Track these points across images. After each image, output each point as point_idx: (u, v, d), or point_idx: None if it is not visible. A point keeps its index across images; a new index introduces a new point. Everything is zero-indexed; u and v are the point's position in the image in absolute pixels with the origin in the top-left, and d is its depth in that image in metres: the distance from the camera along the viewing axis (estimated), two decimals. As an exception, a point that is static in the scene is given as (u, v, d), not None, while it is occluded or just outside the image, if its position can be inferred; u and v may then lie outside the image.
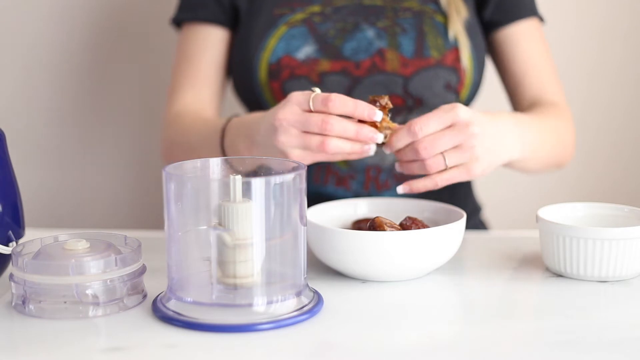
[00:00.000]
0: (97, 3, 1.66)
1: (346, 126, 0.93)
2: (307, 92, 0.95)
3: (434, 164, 0.96)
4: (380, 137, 0.95)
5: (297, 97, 0.95)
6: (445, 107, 0.96)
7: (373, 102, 0.95)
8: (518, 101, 1.29)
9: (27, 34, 1.66)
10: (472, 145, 0.96)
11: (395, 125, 0.96)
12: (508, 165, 1.09)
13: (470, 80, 1.23)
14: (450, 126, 0.95)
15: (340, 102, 0.93)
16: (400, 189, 0.99)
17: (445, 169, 0.97)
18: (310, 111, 0.94)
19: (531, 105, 1.26)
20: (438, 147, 0.95)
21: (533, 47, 1.28)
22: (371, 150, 0.96)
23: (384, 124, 0.96)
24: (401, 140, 0.96)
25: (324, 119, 0.92)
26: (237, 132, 1.06)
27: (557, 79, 1.29)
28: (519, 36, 1.28)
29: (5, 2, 1.65)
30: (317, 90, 0.95)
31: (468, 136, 0.95)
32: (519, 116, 1.10)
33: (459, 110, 0.95)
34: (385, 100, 0.96)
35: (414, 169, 0.98)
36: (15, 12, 1.65)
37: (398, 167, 1.00)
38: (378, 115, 0.94)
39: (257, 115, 1.05)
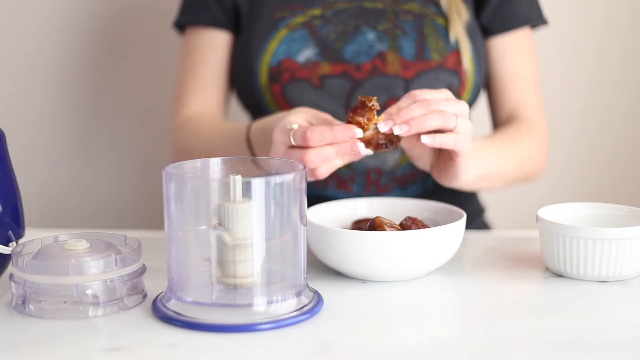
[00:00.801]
0: (97, 3, 1.66)
1: (325, 153, 0.93)
2: (286, 129, 0.95)
3: (447, 120, 0.93)
4: (359, 132, 0.93)
5: (278, 136, 0.96)
6: (433, 90, 0.97)
7: (362, 103, 0.95)
8: (496, 111, 1.31)
9: (28, 35, 1.66)
10: (466, 120, 0.96)
11: None
12: (462, 186, 1.08)
13: (471, 83, 1.23)
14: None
15: (319, 135, 0.92)
16: (425, 138, 0.94)
17: (453, 131, 0.95)
18: (293, 146, 0.95)
19: (508, 119, 1.28)
20: (452, 108, 0.95)
21: (520, 59, 1.28)
22: (361, 150, 0.94)
23: (372, 125, 0.95)
24: (403, 104, 0.95)
25: (302, 157, 0.93)
26: (263, 142, 1.06)
27: (538, 92, 1.30)
28: (507, 47, 1.28)
29: (6, 2, 1.65)
30: (295, 125, 0.95)
31: (462, 110, 0.96)
32: (482, 143, 1.10)
33: (449, 92, 0.97)
34: (372, 102, 0.95)
35: (431, 121, 0.92)
36: (16, 12, 1.65)
37: (426, 138, 0.94)
38: (358, 133, 0.93)
39: (275, 123, 1.03)
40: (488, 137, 1.19)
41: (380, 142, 0.95)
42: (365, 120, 0.94)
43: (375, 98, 0.95)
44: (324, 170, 0.95)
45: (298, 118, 0.97)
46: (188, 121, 1.26)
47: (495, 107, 1.31)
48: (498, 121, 1.31)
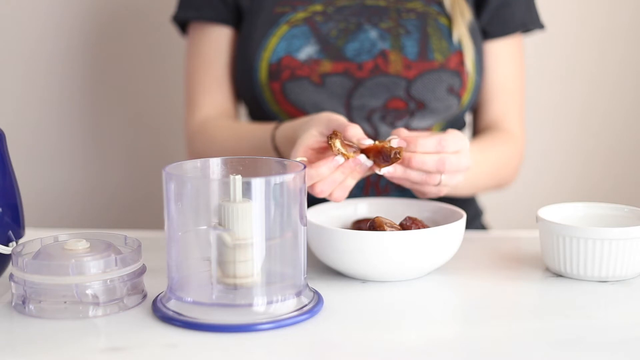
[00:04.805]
0: (97, 3, 1.66)
1: (332, 179, 0.94)
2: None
3: (433, 178, 0.96)
4: (340, 159, 0.93)
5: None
6: (457, 134, 0.97)
7: (329, 137, 0.94)
8: (478, 119, 1.32)
9: (28, 34, 1.66)
10: (460, 175, 0.98)
11: (348, 152, 0.95)
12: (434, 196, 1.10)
13: (472, 85, 1.23)
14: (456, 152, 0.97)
15: (309, 178, 0.93)
16: (385, 170, 0.96)
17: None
18: None
19: (488, 127, 1.29)
20: (457, 167, 0.96)
21: (510, 69, 1.29)
22: (366, 163, 0.95)
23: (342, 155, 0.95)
24: (427, 147, 0.95)
25: (312, 189, 0.94)
26: (290, 151, 1.06)
27: (522, 104, 1.31)
28: (501, 55, 1.28)
29: (6, 2, 1.65)
30: (299, 158, 0.96)
31: (464, 167, 0.98)
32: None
33: (467, 142, 0.98)
34: (331, 141, 0.94)
35: (413, 176, 0.96)
36: (16, 12, 1.65)
37: (388, 175, 0.97)
38: (339, 160, 0.93)
39: (297, 133, 1.03)
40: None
41: (377, 159, 0.95)
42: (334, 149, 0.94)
43: (334, 133, 0.94)
44: (338, 195, 0.95)
45: (310, 135, 0.97)
46: (203, 124, 1.25)
47: (477, 113, 1.31)
48: (478, 128, 1.32)
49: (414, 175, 0.96)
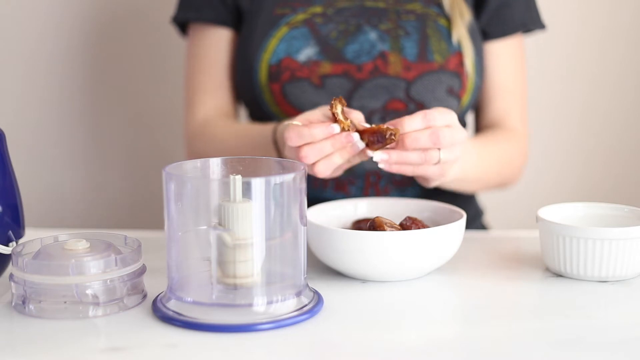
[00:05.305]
0: (97, 3, 1.66)
1: (320, 147, 0.93)
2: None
3: (431, 156, 0.95)
4: (336, 127, 0.93)
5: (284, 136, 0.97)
6: (442, 109, 0.96)
7: (334, 99, 0.95)
8: (481, 117, 1.31)
9: (28, 34, 1.66)
10: (457, 149, 0.97)
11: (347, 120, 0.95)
12: (442, 185, 1.09)
13: (472, 86, 1.23)
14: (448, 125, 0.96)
15: (296, 135, 0.93)
16: (378, 157, 0.95)
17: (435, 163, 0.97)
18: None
19: (491, 126, 1.29)
20: (453, 140, 0.95)
21: (511, 69, 1.29)
22: (357, 143, 0.94)
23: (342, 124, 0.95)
24: (414, 124, 0.94)
25: (298, 153, 0.94)
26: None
27: (524, 103, 1.30)
28: (502, 55, 1.28)
29: (6, 2, 1.65)
30: (286, 122, 0.96)
31: (460, 140, 0.96)
32: (465, 146, 1.10)
33: (455, 116, 0.97)
34: (333, 102, 0.95)
35: (411, 158, 0.95)
36: (16, 12, 1.65)
37: (383, 163, 0.95)
38: (335, 128, 0.93)
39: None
40: (471, 139, 1.18)
41: (370, 139, 0.94)
42: (333, 116, 0.94)
43: (339, 98, 0.94)
44: (322, 168, 0.94)
45: (314, 112, 0.98)
46: (203, 125, 1.25)
47: (480, 112, 1.31)
48: (481, 126, 1.31)
49: (411, 156, 0.95)
